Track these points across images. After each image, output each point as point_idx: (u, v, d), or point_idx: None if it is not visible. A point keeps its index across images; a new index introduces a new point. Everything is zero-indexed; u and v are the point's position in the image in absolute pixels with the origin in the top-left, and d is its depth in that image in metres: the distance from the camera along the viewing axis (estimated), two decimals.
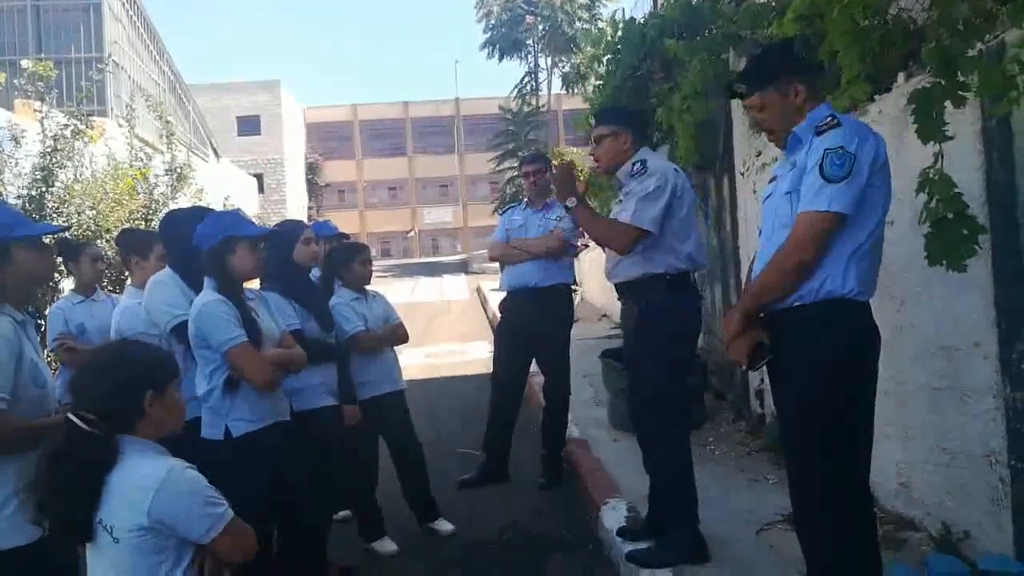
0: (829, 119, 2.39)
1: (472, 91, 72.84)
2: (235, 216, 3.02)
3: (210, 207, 3.71)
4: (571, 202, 3.49)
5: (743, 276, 5.25)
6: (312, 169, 39.26)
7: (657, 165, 3.42)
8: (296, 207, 34.21)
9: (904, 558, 3.04)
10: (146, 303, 3.17)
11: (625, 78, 5.81)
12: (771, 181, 2.67)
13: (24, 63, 9.20)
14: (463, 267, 24.04)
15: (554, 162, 5.04)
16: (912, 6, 3.24)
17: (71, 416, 1.83)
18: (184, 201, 10.96)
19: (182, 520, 1.80)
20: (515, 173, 27.32)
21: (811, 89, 2.52)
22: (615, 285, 3.56)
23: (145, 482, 1.78)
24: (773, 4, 3.94)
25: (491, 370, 5.22)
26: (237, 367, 2.80)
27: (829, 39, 3.17)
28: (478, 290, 17.33)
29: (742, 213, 5.28)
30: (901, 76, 3.30)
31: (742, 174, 5.21)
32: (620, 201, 3.45)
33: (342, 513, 4.28)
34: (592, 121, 3.66)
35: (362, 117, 43.23)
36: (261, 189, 30.16)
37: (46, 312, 6.96)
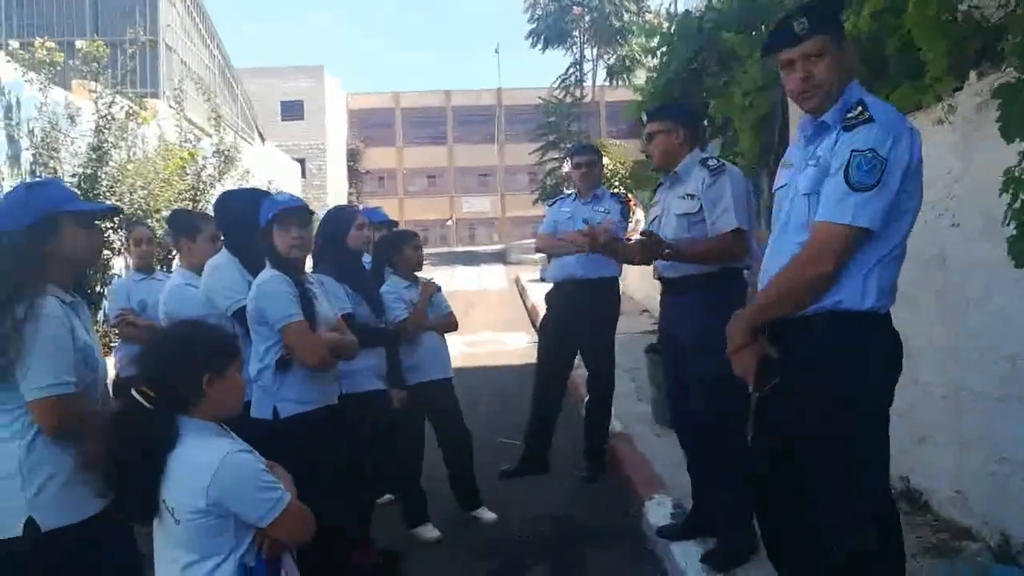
0: (859, 109, 2.11)
1: (512, 80, 72.78)
2: (277, 195, 3.04)
3: (266, 189, 3.72)
4: (668, 255, 3.32)
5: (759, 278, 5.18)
6: (353, 156, 39.52)
7: (732, 166, 3.42)
8: (337, 193, 34.50)
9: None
10: (206, 286, 3.21)
11: (679, 70, 5.74)
12: (783, 167, 2.42)
13: (79, 44, 9.40)
14: (501, 257, 24.03)
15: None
16: (986, 3, 3.15)
17: (134, 392, 1.85)
18: (230, 183, 11.14)
19: (239, 503, 1.81)
20: (556, 164, 27.22)
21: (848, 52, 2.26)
22: (670, 279, 3.49)
23: (202, 465, 1.79)
24: None
25: (530, 361, 5.21)
26: (291, 345, 2.82)
27: (912, 33, 3.09)
28: (517, 280, 17.32)
29: None
30: (973, 75, 3.20)
31: None
32: (689, 196, 3.37)
33: (385, 497, 4.32)
34: (644, 117, 3.61)
35: (404, 105, 43.39)
36: (303, 174, 30.49)
37: (97, 291, 7.16)
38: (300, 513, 1.90)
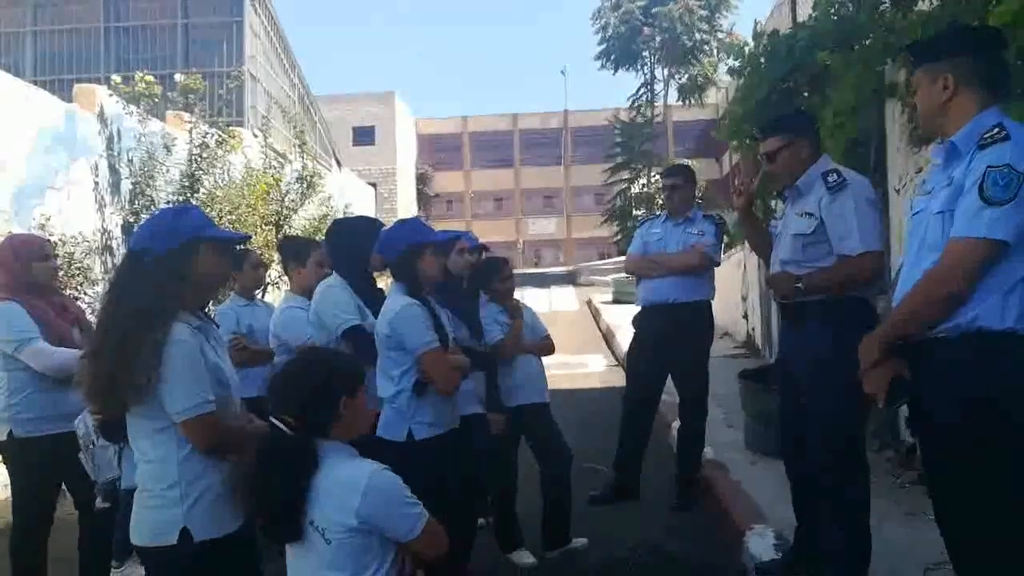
0: (996, 130, 2.10)
1: (579, 102, 72.98)
2: (417, 223, 3.13)
3: (378, 218, 3.82)
4: (798, 289, 3.20)
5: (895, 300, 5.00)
6: (422, 179, 40.15)
7: (853, 175, 3.18)
8: (406, 217, 34.93)
9: None
10: (316, 307, 3.29)
11: (769, 91, 5.63)
12: (925, 194, 2.39)
13: (177, 77, 9.83)
14: (571, 278, 23.94)
15: None
16: None
17: (275, 420, 1.92)
18: (312, 208, 11.43)
19: (388, 520, 1.87)
20: (626, 185, 27.07)
21: (968, 87, 2.21)
22: (790, 304, 3.33)
23: (352, 484, 1.85)
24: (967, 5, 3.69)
25: (610, 384, 5.15)
26: (428, 371, 2.88)
27: None
28: (589, 303, 17.22)
29: (895, 232, 5.03)
30: None
31: (897, 191, 4.96)
32: (808, 215, 3.16)
33: (479, 521, 4.31)
34: (757, 135, 3.47)
35: (471, 129, 43.92)
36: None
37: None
38: (438, 528, 1.96)
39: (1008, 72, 2.35)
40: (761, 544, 3.80)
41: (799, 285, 3.17)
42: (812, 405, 3.15)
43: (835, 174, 3.13)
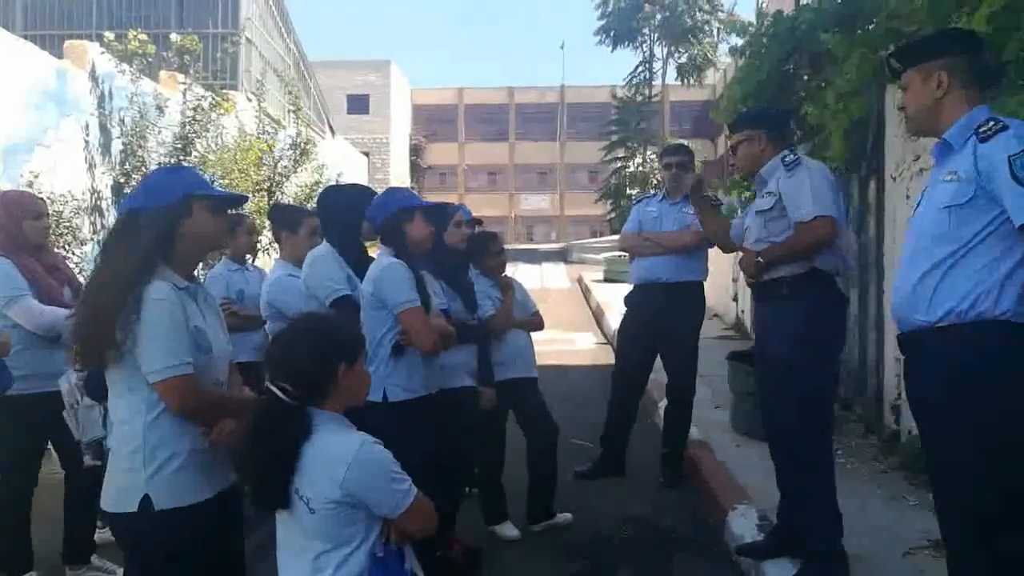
0: (992, 123, 2.17)
1: (576, 78, 72.48)
2: (408, 191, 3.14)
3: (370, 186, 3.78)
4: (759, 263, 3.27)
5: (886, 286, 5.02)
6: (416, 151, 39.84)
7: (812, 160, 3.31)
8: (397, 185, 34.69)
9: None
10: (306, 277, 3.25)
11: (770, 72, 5.60)
12: (924, 191, 2.45)
13: (173, 36, 9.67)
14: (562, 256, 23.93)
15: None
16: None
17: (272, 387, 1.87)
18: (305, 175, 11.33)
19: (372, 495, 1.83)
20: (621, 163, 26.97)
21: (960, 86, 2.29)
22: (761, 283, 3.34)
23: (339, 456, 1.81)
24: None
25: (598, 362, 5.15)
26: (407, 329, 2.89)
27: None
28: (580, 280, 17.22)
29: (890, 219, 5.04)
30: None
31: (894, 178, 4.96)
32: (769, 194, 3.26)
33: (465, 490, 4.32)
34: (727, 131, 3.55)
35: (467, 101, 43.56)
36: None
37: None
38: (426, 505, 1.91)
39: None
40: (743, 522, 3.83)
41: (759, 259, 3.24)
42: (786, 379, 3.20)
43: (792, 155, 3.27)
